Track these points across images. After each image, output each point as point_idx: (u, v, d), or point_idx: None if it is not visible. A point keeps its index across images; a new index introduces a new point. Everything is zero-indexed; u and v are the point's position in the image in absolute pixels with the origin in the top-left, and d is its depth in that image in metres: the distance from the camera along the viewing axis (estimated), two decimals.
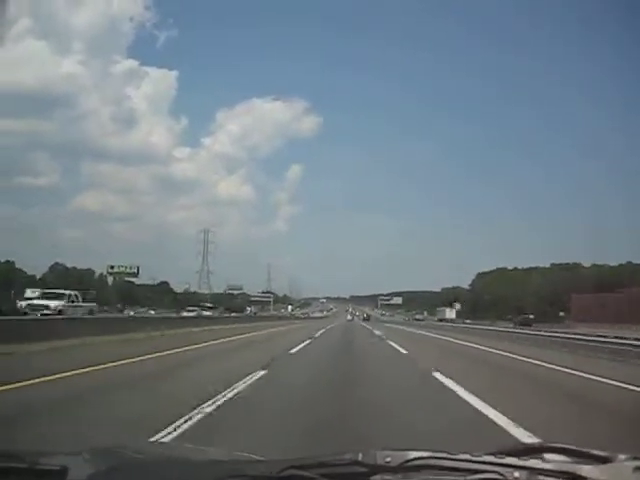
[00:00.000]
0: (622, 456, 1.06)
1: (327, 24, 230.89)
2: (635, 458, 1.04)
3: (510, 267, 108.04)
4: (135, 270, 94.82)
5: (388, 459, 1.11)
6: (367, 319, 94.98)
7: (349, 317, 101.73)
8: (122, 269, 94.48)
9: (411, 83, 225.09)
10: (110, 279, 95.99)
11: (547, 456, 1.14)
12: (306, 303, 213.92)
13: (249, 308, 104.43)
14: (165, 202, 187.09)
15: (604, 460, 1.06)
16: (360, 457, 1.13)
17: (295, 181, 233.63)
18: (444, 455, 1.12)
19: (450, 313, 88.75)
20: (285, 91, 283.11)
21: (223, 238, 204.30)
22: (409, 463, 1.10)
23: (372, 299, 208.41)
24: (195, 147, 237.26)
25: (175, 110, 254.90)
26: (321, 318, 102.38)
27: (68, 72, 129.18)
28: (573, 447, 1.14)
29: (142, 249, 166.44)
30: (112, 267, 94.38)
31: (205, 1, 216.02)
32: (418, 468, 1.10)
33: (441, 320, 79.60)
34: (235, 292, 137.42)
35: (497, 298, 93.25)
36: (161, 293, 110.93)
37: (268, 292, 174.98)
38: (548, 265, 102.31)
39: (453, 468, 1.09)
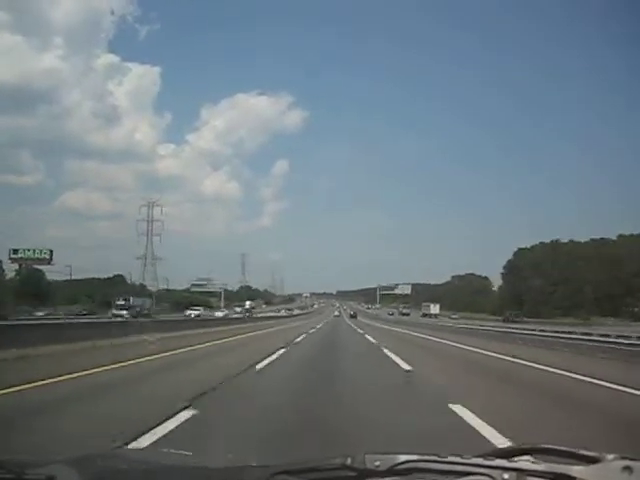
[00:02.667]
0: (610, 456, 1.06)
1: (313, 18, 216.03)
2: (623, 458, 1.04)
3: (564, 240, 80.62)
4: (47, 255, 67.53)
5: (377, 463, 1.11)
6: (354, 316, 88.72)
7: (336, 313, 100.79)
8: (29, 254, 67.43)
9: (400, 78, 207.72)
10: (14, 267, 68.75)
11: (536, 457, 1.14)
12: (290, 299, 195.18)
13: (126, 304, 55.42)
14: (148, 199, 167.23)
15: (593, 460, 1.06)
16: (349, 461, 1.12)
17: (281, 177, 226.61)
18: (433, 458, 1.12)
19: (434, 308, 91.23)
20: (271, 85, 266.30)
21: (207, 234, 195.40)
22: (398, 467, 1.11)
23: (362, 293, 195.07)
24: (179, 144, 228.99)
25: (159, 106, 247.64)
26: (284, 318, 63.17)
27: (48, 67, 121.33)
28: (562, 448, 1.13)
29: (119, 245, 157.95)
30: (16, 251, 67.19)
31: None
32: (407, 471, 1.10)
33: (425, 315, 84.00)
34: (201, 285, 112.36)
35: (556, 283, 67.74)
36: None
37: (247, 286, 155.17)
38: (614, 237, 77.66)
39: (442, 471, 1.09)
